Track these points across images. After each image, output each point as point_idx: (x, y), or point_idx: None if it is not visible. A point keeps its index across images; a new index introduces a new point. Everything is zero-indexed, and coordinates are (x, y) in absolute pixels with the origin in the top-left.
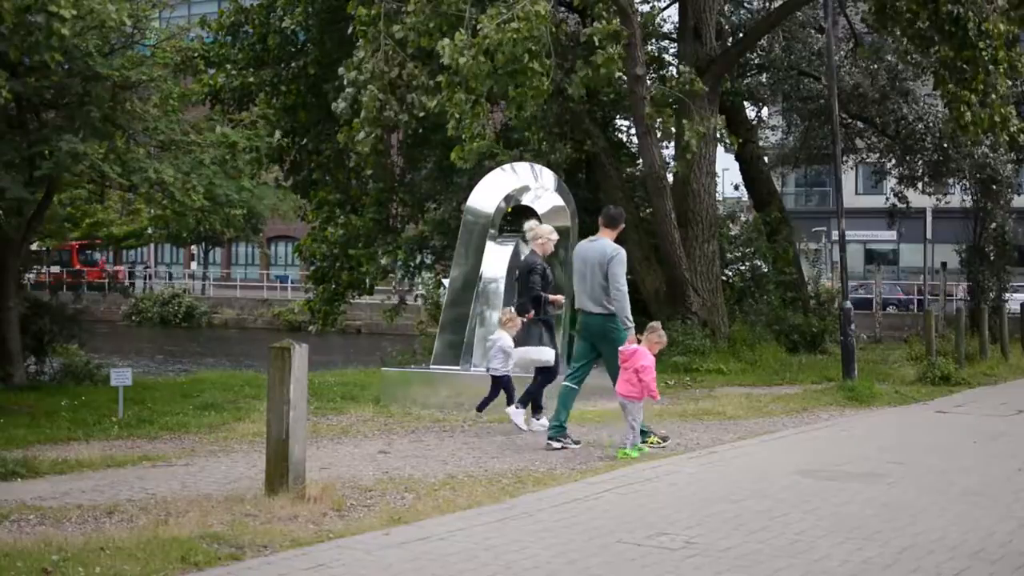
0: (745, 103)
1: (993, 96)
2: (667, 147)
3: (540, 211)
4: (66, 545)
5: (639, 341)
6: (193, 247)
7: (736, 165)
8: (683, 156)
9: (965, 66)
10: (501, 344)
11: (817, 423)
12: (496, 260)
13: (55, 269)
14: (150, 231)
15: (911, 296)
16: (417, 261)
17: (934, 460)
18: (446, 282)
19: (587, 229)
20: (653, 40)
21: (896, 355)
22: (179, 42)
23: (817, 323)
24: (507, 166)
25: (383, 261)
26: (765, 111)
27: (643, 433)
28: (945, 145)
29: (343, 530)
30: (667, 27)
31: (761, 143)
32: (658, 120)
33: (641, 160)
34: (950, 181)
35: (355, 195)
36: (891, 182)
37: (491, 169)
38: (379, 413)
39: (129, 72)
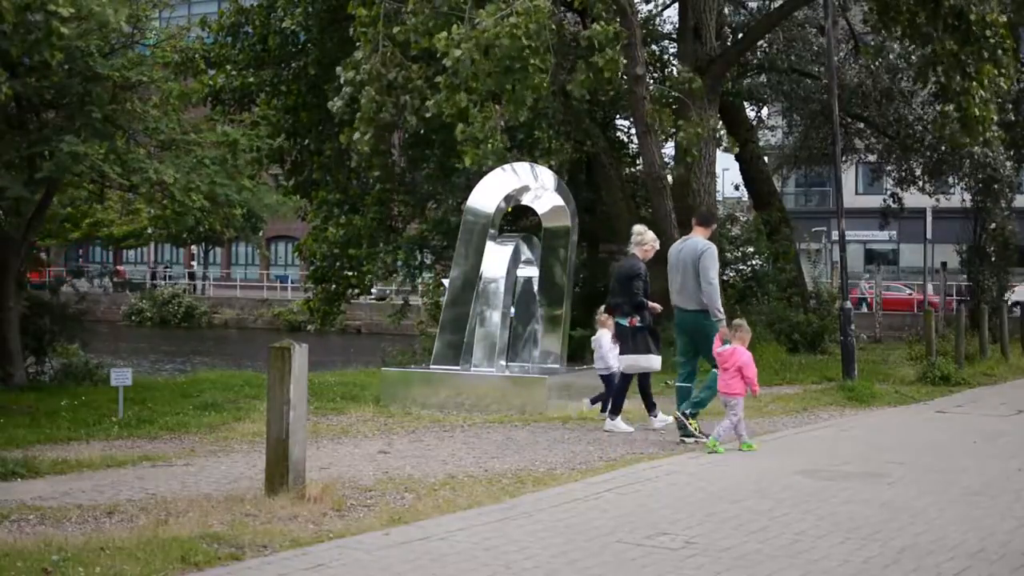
0: (745, 103)
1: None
2: (667, 147)
3: (540, 211)
4: (66, 545)
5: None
6: (193, 247)
7: (736, 165)
8: (683, 158)
9: (969, 60)
10: (602, 342)
11: (817, 423)
12: (496, 260)
13: None
14: (150, 231)
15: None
16: (418, 261)
17: (934, 460)
18: (446, 282)
19: (587, 229)
20: (653, 40)
21: (896, 355)
22: (179, 42)
23: (817, 323)
24: (507, 166)
25: (387, 260)
26: (765, 111)
27: (689, 427)
28: (943, 147)
29: (343, 530)
30: (667, 27)
31: (761, 143)
32: (658, 120)
33: (641, 160)
34: (950, 180)
35: (355, 195)
36: (889, 182)
37: (491, 169)
38: (379, 413)
39: (129, 72)
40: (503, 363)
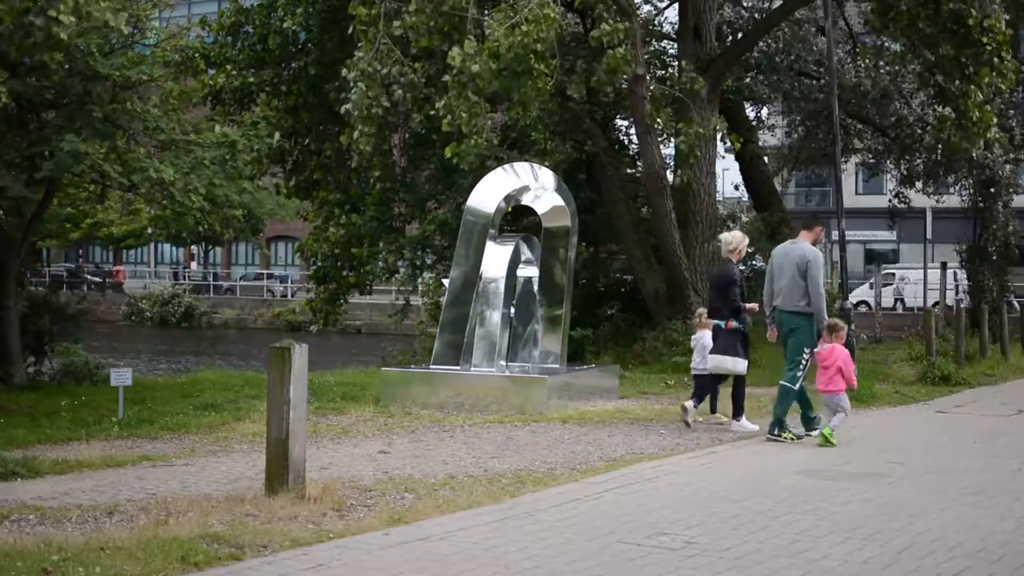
0: (745, 103)
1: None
2: (667, 147)
3: (540, 211)
4: (66, 545)
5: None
6: (193, 247)
7: (736, 165)
8: (685, 162)
9: (968, 63)
10: (705, 342)
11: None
12: (496, 260)
13: None
14: (150, 231)
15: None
16: (418, 261)
17: (934, 460)
18: (446, 282)
19: (587, 229)
20: (653, 40)
21: (896, 355)
22: (179, 42)
23: None
24: (507, 166)
25: (389, 259)
26: (765, 111)
27: (781, 424)
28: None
29: (343, 530)
30: (667, 27)
31: (761, 143)
32: (658, 120)
33: (641, 160)
34: (949, 180)
35: (355, 195)
36: (891, 182)
37: (491, 169)
38: (379, 413)
39: (129, 72)
40: (503, 363)
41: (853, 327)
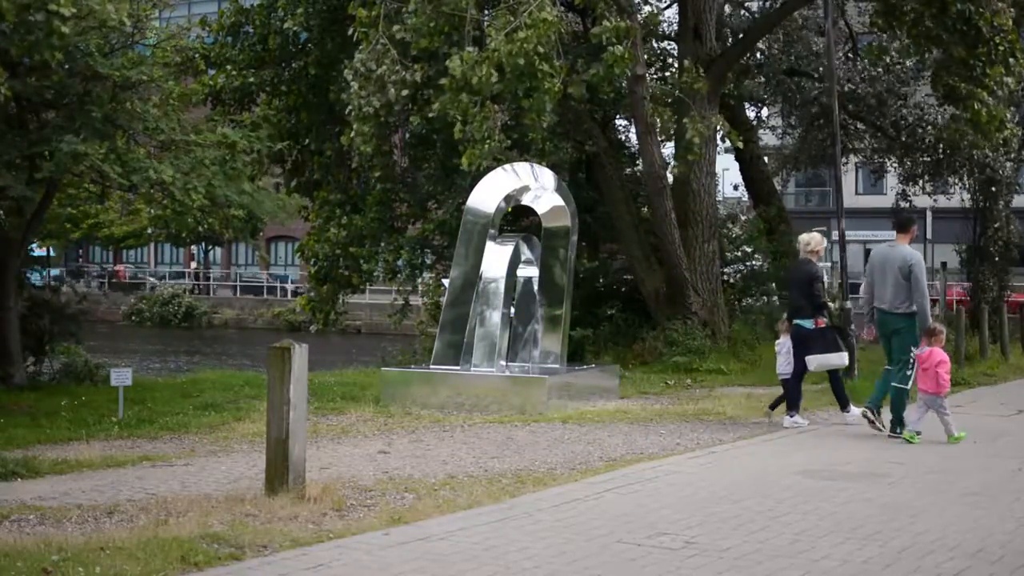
0: (745, 103)
1: (1003, 93)
2: (667, 147)
3: (540, 211)
4: (66, 545)
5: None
6: (193, 247)
7: (736, 165)
8: (684, 157)
9: (979, 63)
10: (789, 347)
11: (817, 423)
12: (496, 260)
13: None
14: (150, 231)
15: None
16: (418, 261)
17: (934, 460)
18: (446, 282)
19: (587, 229)
20: (653, 40)
21: None
22: (179, 42)
23: None
24: (507, 166)
25: (389, 259)
26: (765, 111)
27: (901, 423)
28: (940, 146)
29: (343, 530)
30: (667, 27)
31: (761, 143)
32: (658, 120)
33: (641, 160)
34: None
35: (356, 195)
36: (893, 182)
37: (492, 169)
38: (379, 413)
39: (129, 72)
40: (503, 363)
41: (853, 327)
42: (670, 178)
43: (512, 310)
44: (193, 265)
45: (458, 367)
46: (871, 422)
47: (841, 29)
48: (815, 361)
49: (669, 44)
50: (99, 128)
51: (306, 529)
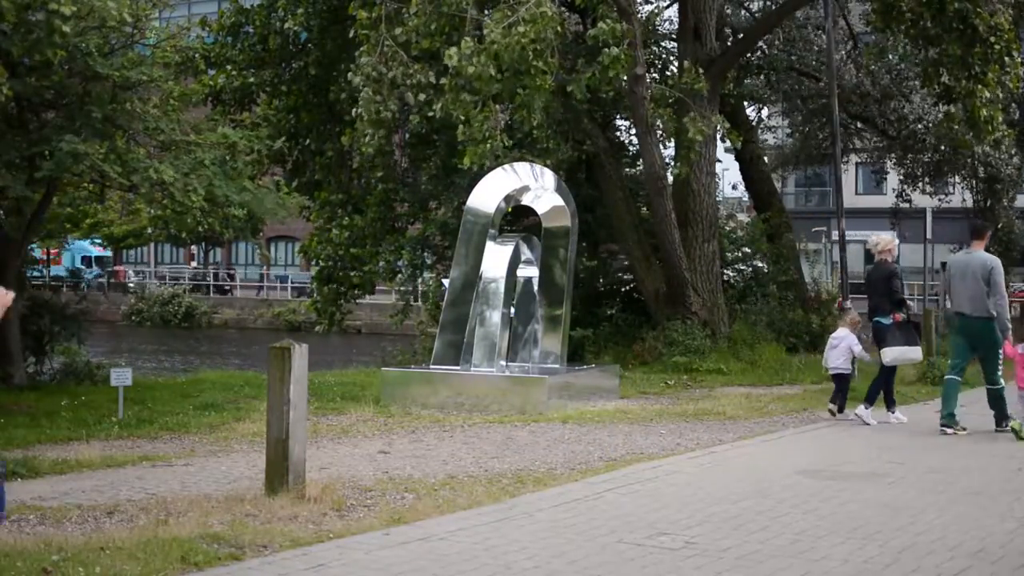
0: (745, 103)
1: (1000, 92)
2: (667, 147)
3: (540, 211)
4: (66, 545)
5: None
6: (193, 247)
7: (736, 165)
8: (685, 156)
9: (976, 62)
10: (848, 343)
11: (817, 423)
12: (496, 260)
13: None
14: (150, 231)
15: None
16: (418, 262)
17: (934, 460)
18: (446, 282)
19: (587, 229)
20: (654, 40)
21: None
22: (179, 42)
23: (817, 323)
24: (507, 166)
25: (389, 259)
26: (765, 111)
27: (1006, 417)
28: (943, 147)
29: (343, 530)
30: (667, 27)
31: (761, 143)
32: (658, 120)
33: (641, 160)
34: (952, 180)
35: (357, 195)
36: (893, 182)
37: (491, 169)
38: (379, 413)
39: (129, 72)
40: (503, 363)
41: None
42: (670, 178)
43: (512, 310)
44: (193, 264)
45: (458, 367)
46: (954, 431)
47: (843, 28)
48: (890, 354)
49: (670, 44)
50: (99, 128)
51: (306, 529)
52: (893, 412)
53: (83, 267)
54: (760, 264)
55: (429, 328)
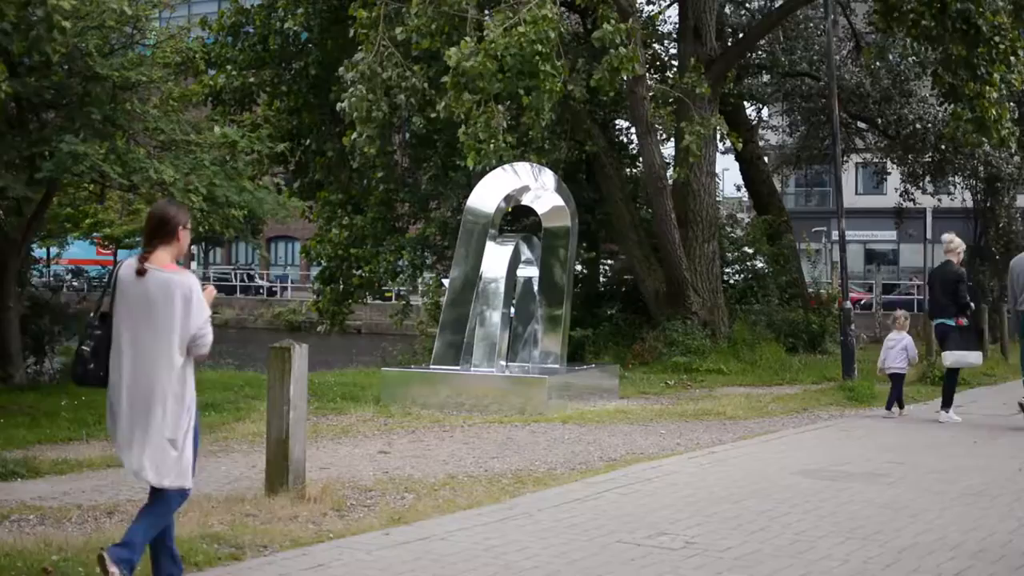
0: (745, 103)
1: (1006, 91)
2: (667, 147)
3: (540, 211)
4: (66, 545)
5: None
6: (193, 247)
7: (736, 165)
8: (685, 160)
9: (981, 63)
10: (905, 344)
11: (817, 423)
12: (496, 260)
13: None
14: None
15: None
16: (418, 262)
17: (934, 460)
18: (446, 282)
19: (587, 229)
20: (654, 40)
21: None
22: (179, 42)
23: (817, 323)
24: (507, 166)
25: (389, 259)
26: (765, 111)
27: None
28: (944, 146)
29: (343, 530)
30: (667, 27)
31: (761, 143)
32: (658, 120)
33: (641, 160)
34: (953, 180)
35: (357, 195)
36: (895, 181)
37: (492, 169)
38: (379, 413)
39: (129, 72)
40: (503, 363)
41: (853, 327)
42: (670, 178)
43: (512, 310)
44: (193, 265)
45: (458, 367)
46: None
47: (844, 28)
48: (951, 357)
49: (670, 44)
50: (99, 128)
51: (306, 529)
52: (947, 411)
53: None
54: (760, 264)
55: (429, 328)
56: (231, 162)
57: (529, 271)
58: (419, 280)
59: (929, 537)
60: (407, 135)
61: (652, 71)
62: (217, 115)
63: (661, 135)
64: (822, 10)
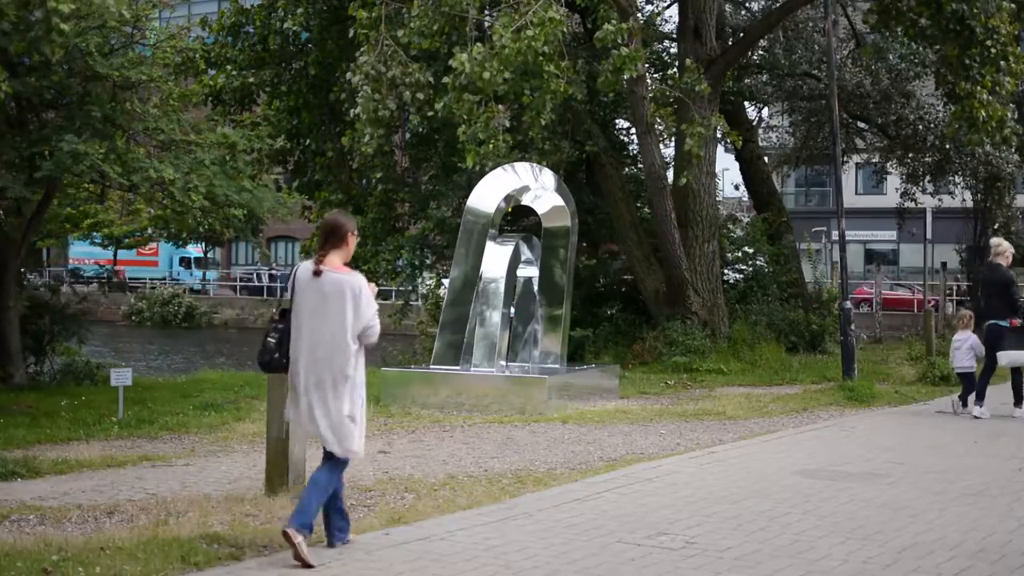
0: (745, 103)
1: (1002, 92)
2: (667, 147)
3: (540, 211)
4: (66, 545)
5: None
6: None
7: (736, 165)
8: (688, 164)
9: (973, 64)
10: (971, 343)
11: (817, 423)
12: (496, 260)
13: None
14: (150, 231)
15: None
16: (418, 261)
17: (934, 460)
18: (446, 282)
19: (587, 229)
20: (654, 40)
21: (896, 355)
22: (179, 42)
23: (817, 323)
24: (507, 166)
25: (389, 258)
26: (765, 111)
27: None
28: (947, 146)
29: None
30: (667, 27)
31: (761, 143)
32: (658, 120)
33: (641, 160)
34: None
35: (357, 195)
36: (895, 182)
37: (492, 169)
38: (379, 413)
39: (129, 72)
40: (503, 363)
41: (854, 327)
42: (670, 178)
43: (512, 310)
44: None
45: (458, 367)
46: None
47: (845, 28)
48: (1006, 357)
49: (670, 44)
50: (99, 128)
51: None
52: (979, 405)
53: (181, 267)
54: (761, 264)
55: (429, 328)
56: (231, 162)
57: (529, 271)
58: (419, 280)
59: (929, 537)
60: (407, 135)
61: (652, 71)
62: (217, 115)
63: (661, 135)
64: (822, 10)
